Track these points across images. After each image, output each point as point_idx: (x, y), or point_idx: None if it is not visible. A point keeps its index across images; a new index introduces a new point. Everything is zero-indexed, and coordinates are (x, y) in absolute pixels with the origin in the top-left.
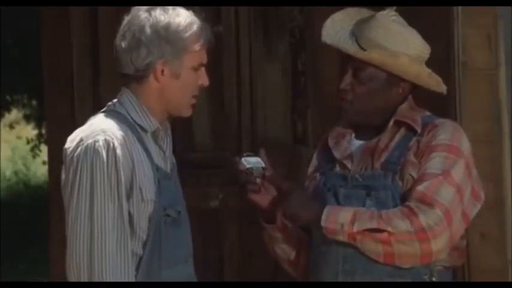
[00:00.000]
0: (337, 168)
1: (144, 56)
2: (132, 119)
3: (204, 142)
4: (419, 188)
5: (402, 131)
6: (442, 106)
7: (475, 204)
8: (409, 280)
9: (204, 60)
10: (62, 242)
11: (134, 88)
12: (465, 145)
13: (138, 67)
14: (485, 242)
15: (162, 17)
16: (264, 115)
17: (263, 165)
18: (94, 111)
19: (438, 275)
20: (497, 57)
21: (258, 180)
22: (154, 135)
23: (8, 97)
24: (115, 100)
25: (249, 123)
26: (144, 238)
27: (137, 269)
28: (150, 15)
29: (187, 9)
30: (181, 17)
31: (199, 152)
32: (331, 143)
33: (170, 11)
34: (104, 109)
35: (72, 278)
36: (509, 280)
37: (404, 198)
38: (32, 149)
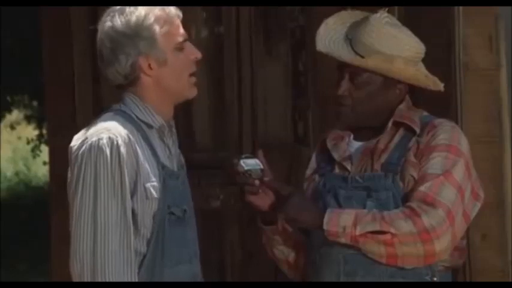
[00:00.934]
0: (337, 170)
1: (124, 61)
2: (136, 117)
3: (204, 142)
4: (421, 188)
5: (401, 131)
6: (442, 106)
7: (475, 204)
8: (411, 280)
9: (182, 36)
10: (62, 242)
11: (133, 91)
12: (464, 145)
13: (125, 74)
14: (485, 243)
15: (121, 17)
16: (265, 115)
17: (261, 167)
18: (95, 112)
19: (439, 275)
20: (498, 58)
21: (257, 182)
22: (160, 133)
23: (8, 98)
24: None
25: (249, 123)
26: (148, 236)
27: (140, 267)
28: (110, 21)
29: (188, 9)
30: (138, 9)
31: (200, 152)
32: (329, 144)
33: (127, 10)
34: (109, 110)
35: (75, 274)
36: (510, 280)
37: (405, 199)
38: (33, 150)
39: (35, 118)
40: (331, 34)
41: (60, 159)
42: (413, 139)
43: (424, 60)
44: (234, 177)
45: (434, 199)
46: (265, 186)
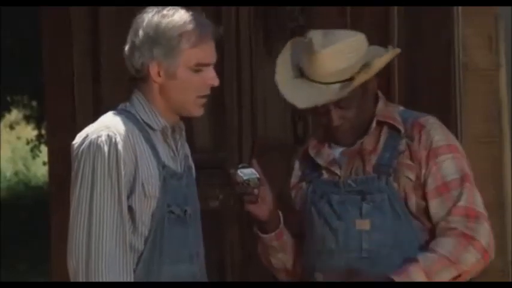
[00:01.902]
0: (325, 175)
1: (137, 59)
2: (140, 117)
3: (204, 143)
4: (461, 203)
5: (385, 131)
6: (442, 106)
7: None
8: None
9: (204, 60)
10: (62, 242)
11: (141, 89)
12: (454, 139)
13: (137, 68)
14: None
15: (155, 17)
16: (265, 116)
17: (258, 176)
18: (94, 112)
19: None
20: (497, 58)
21: (256, 191)
22: (163, 134)
23: (8, 98)
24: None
25: (249, 124)
26: (146, 233)
27: (137, 264)
28: (145, 17)
29: (188, 9)
30: (174, 17)
31: (199, 152)
32: (312, 152)
33: (165, 12)
34: (115, 109)
35: (71, 268)
36: (510, 280)
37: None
38: (32, 150)
39: (35, 118)
40: (291, 87)
41: (60, 159)
42: (403, 141)
43: (424, 60)
44: (234, 187)
45: (476, 211)
46: (263, 193)
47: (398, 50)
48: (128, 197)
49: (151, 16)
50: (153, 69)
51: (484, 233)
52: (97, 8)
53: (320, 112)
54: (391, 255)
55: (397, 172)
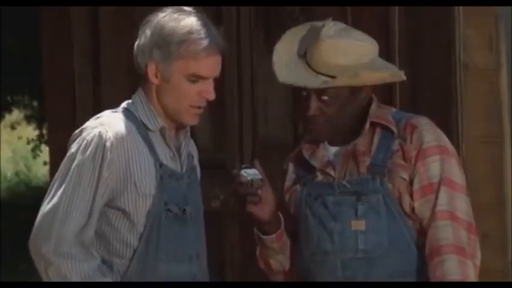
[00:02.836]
0: (319, 177)
1: (140, 56)
2: (139, 116)
3: (204, 142)
4: (444, 207)
5: (378, 132)
6: (442, 106)
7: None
8: (410, 280)
9: (201, 72)
10: None
11: (143, 87)
12: (447, 140)
13: (139, 63)
14: (486, 243)
15: (164, 19)
16: (265, 115)
17: (261, 176)
18: (95, 112)
19: None
20: (498, 58)
21: (259, 192)
22: (162, 134)
23: (8, 98)
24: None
25: (249, 123)
26: (141, 230)
27: (131, 259)
28: (157, 17)
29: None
30: (182, 23)
31: (200, 152)
32: (306, 154)
33: (176, 15)
34: (117, 108)
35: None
36: (510, 281)
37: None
38: (33, 150)
39: (35, 118)
40: (285, 59)
41: (61, 159)
42: (396, 142)
43: (424, 60)
44: (236, 188)
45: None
46: (265, 195)
47: (402, 77)
48: (119, 198)
49: (162, 17)
50: (151, 70)
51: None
52: (97, 8)
53: (302, 99)
54: (386, 256)
55: (392, 172)
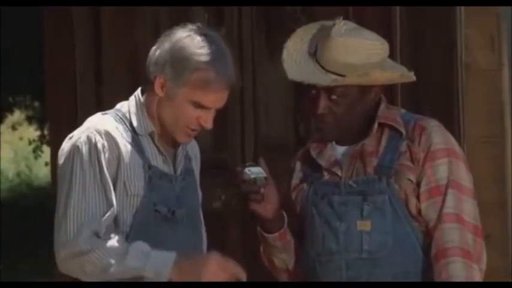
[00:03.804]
0: (326, 176)
1: (153, 64)
2: (130, 118)
3: (206, 143)
4: (451, 210)
5: (386, 133)
6: (444, 107)
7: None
8: (413, 281)
9: (205, 103)
10: None
11: (146, 91)
12: (455, 143)
13: (150, 70)
14: (487, 243)
15: (186, 40)
16: (267, 116)
17: (265, 174)
18: (97, 112)
19: None
20: (499, 58)
21: (262, 190)
22: (152, 138)
23: (10, 98)
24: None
25: (251, 124)
26: (127, 231)
27: None
28: (180, 33)
29: (192, 10)
30: (201, 50)
31: (201, 153)
32: (313, 153)
33: (198, 39)
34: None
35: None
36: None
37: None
38: (34, 150)
39: (37, 119)
40: (295, 57)
41: None
42: (404, 143)
43: (426, 61)
44: (240, 186)
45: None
46: (268, 194)
47: (412, 78)
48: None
49: (185, 36)
50: (159, 83)
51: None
52: (99, 9)
53: (311, 97)
54: (391, 256)
55: (399, 174)
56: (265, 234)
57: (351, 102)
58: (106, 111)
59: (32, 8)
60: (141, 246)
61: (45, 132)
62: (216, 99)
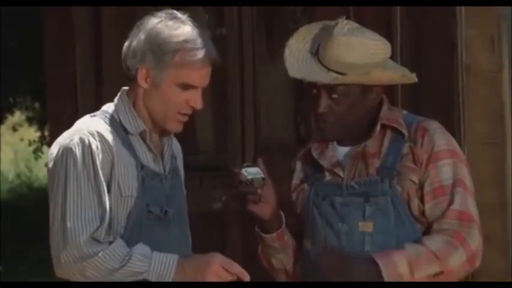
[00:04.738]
0: (328, 177)
1: (130, 58)
2: (119, 119)
3: (206, 144)
4: (456, 207)
5: (388, 134)
6: (444, 107)
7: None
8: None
9: (192, 81)
10: None
11: (130, 88)
12: (457, 145)
13: (128, 67)
14: (488, 244)
15: (159, 25)
16: (267, 117)
17: (263, 175)
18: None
19: None
20: (500, 59)
21: (259, 191)
22: (143, 136)
23: (10, 99)
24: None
25: (252, 125)
26: (122, 232)
27: None
28: (151, 21)
29: (192, 10)
30: (177, 31)
31: (202, 154)
32: (315, 153)
33: (171, 22)
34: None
35: (53, 257)
36: None
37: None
38: (35, 151)
39: (37, 120)
40: (297, 56)
41: None
42: (406, 145)
43: (427, 61)
44: (237, 186)
45: (470, 216)
46: (266, 193)
47: (414, 79)
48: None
49: (156, 22)
50: (141, 74)
51: (475, 239)
52: (99, 9)
53: (312, 96)
54: None
55: (401, 175)
56: (263, 235)
57: (351, 102)
58: (94, 113)
59: (32, 9)
60: (142, 249)
61: (46, 133)
62: (202, 75)
